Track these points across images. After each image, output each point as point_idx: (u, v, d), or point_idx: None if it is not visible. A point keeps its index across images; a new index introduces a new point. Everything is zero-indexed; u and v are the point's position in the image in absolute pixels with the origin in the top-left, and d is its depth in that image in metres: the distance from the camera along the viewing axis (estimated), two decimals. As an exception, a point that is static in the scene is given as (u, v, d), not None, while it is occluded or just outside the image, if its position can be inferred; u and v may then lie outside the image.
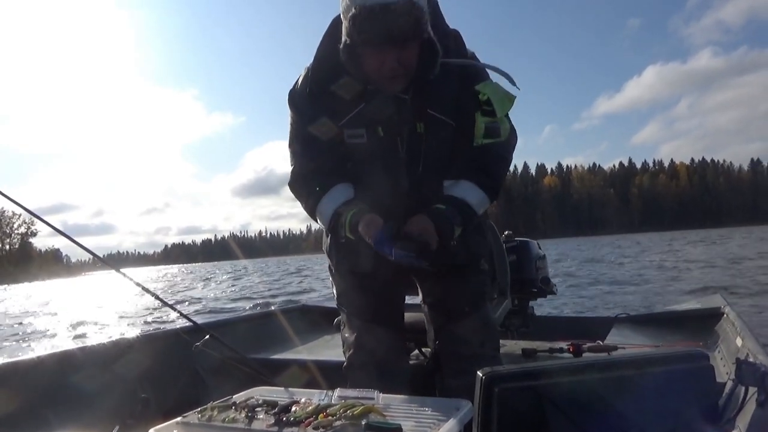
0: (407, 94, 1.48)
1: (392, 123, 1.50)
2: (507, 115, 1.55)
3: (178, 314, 2.15)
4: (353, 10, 1.31)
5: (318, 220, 1.59)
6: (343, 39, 1.39)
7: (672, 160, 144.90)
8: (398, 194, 1.54)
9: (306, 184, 1.59)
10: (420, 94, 1.49)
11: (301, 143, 1.58)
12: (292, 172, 1.61)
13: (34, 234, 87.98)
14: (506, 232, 2.82)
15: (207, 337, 1.99)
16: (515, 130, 1.60)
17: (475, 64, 1.51)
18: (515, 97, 1.52)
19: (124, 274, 2.06)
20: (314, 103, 1.52)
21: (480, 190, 1.53)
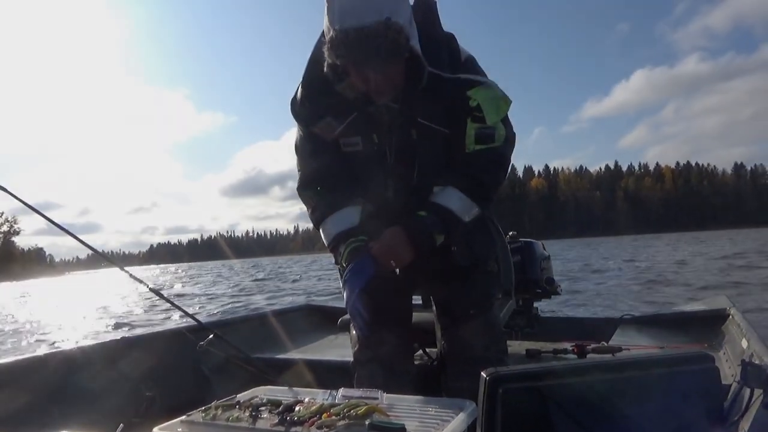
0: (397, 103, 1.49)
1: (386, 130, 1.52)
2: (506, 118, 1.54)
3: (183, 313, 2.17)
4: (331, 32, 1.31)
5: (321, 234, 1.62)
6: (326, 59, 1.39)
7: (657, 163, 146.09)
8: (392, 201, 1.55)
9: (313, 189, 1.62)
10: (409, 103, 1.48)
11: (306, 146, 1.62)
12: (300, 176, 1.65)
13: (17, 233, 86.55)
14: (511, 233, 2.82)
15: (211, 336, 2.00)
16: (514, 133, 1.58)
17: (459, 78, 1.47)
18: (511, 100, 1.51)
19: (129, 273, 2.08)
20: (311, 109, 1.54)
21: (465, 196, 1.51)
